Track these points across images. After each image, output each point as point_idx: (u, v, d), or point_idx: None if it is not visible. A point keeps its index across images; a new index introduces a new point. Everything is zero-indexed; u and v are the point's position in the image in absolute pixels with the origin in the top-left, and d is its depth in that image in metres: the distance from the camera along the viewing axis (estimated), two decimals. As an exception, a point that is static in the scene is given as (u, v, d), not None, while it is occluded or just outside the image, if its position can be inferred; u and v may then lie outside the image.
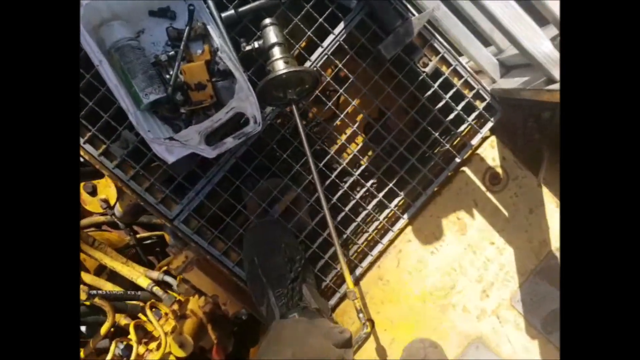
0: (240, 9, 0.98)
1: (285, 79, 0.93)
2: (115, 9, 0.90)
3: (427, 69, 1.06)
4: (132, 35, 0.93)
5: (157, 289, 1.33)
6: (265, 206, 1.05)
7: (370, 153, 1.17)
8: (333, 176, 1.07)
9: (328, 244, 1.09)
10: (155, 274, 1.44)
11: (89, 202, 1.47)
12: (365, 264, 1.10)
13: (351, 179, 1.08)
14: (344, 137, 1.08)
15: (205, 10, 0.93)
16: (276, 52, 0.95)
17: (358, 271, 1.10)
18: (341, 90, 1.05)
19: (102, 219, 1.58)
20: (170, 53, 0.96)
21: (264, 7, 0.99)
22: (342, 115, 1.06)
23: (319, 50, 1.02)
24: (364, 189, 1.09)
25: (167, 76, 0.96)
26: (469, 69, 1.07)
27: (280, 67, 0.93)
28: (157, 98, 0.92)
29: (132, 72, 0.90)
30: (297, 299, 0.94)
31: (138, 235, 1.59)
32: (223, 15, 0.97)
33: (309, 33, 1.01)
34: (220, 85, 0.97)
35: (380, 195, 1.08)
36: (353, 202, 1.09)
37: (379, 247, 1.09)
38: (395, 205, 1.09)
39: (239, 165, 1.02)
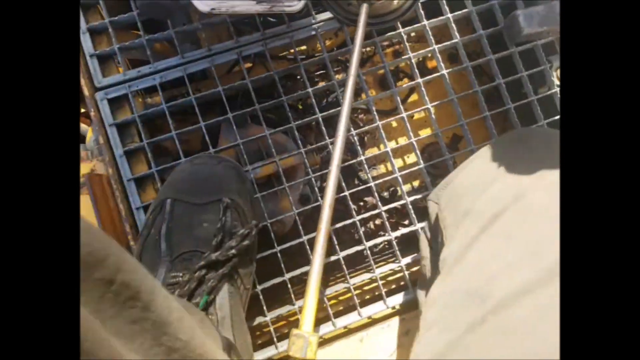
0: None
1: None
2: None
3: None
4: None
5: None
6: (242, 157, 0.64)
7: (417, 183, 0.77)
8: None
9: (299, 256, 0.65)
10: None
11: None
12: (343, 322, 0.62)
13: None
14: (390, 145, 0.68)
15: None
16: None
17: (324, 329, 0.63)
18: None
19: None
20: None
21: None
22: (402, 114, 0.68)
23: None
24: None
25: None
26: None
27: None
28: None
29: None
30: (199, 302, 0.48)
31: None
32: None
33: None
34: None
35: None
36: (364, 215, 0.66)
37: (379, 307, 0.63)
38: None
39: (242, 66, 0.64)
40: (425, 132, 0.79)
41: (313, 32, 0.65)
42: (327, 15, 0.66)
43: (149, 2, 0.53)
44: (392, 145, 0.79)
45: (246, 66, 0.72)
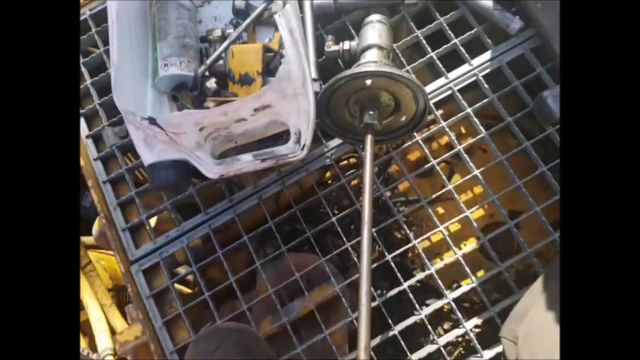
0: (342, 0, 0.68)
1: (367, 90, 0.55)
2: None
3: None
4: (192, -4, 0.68)
5: (110, 360, 0.91)
6: (282, 296, 0.60)
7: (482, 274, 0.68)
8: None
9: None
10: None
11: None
12: None
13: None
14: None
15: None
16: (371, 55, 0.59)
17: None
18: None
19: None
20: (228, 31, 0.67)
21: (375, 4, 0.67)
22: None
23: (441, 81, 0.64)
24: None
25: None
26: None
27: (367, 68, 0.55)
28: (179, 75, 0.62)
29: (163, 32, 0.63)
30: None
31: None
32: (316, 1, 0.68)
33: (431, 54, 0.65)
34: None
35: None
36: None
37: None
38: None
39: (264, 210, 0.62)
40: (479, 213, 0.73)
41: (328, 161, 0.63)
42: (338, 140, 0.64)
43: (158, 184, 0.55)
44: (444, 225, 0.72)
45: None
